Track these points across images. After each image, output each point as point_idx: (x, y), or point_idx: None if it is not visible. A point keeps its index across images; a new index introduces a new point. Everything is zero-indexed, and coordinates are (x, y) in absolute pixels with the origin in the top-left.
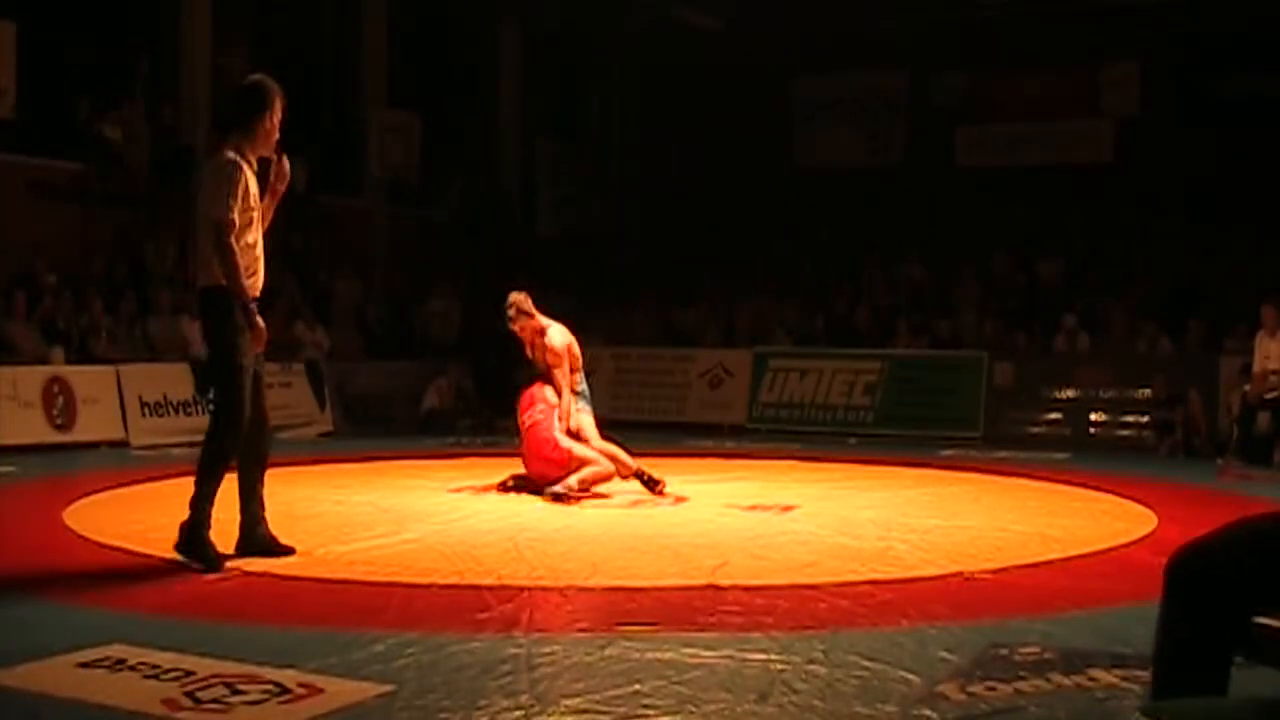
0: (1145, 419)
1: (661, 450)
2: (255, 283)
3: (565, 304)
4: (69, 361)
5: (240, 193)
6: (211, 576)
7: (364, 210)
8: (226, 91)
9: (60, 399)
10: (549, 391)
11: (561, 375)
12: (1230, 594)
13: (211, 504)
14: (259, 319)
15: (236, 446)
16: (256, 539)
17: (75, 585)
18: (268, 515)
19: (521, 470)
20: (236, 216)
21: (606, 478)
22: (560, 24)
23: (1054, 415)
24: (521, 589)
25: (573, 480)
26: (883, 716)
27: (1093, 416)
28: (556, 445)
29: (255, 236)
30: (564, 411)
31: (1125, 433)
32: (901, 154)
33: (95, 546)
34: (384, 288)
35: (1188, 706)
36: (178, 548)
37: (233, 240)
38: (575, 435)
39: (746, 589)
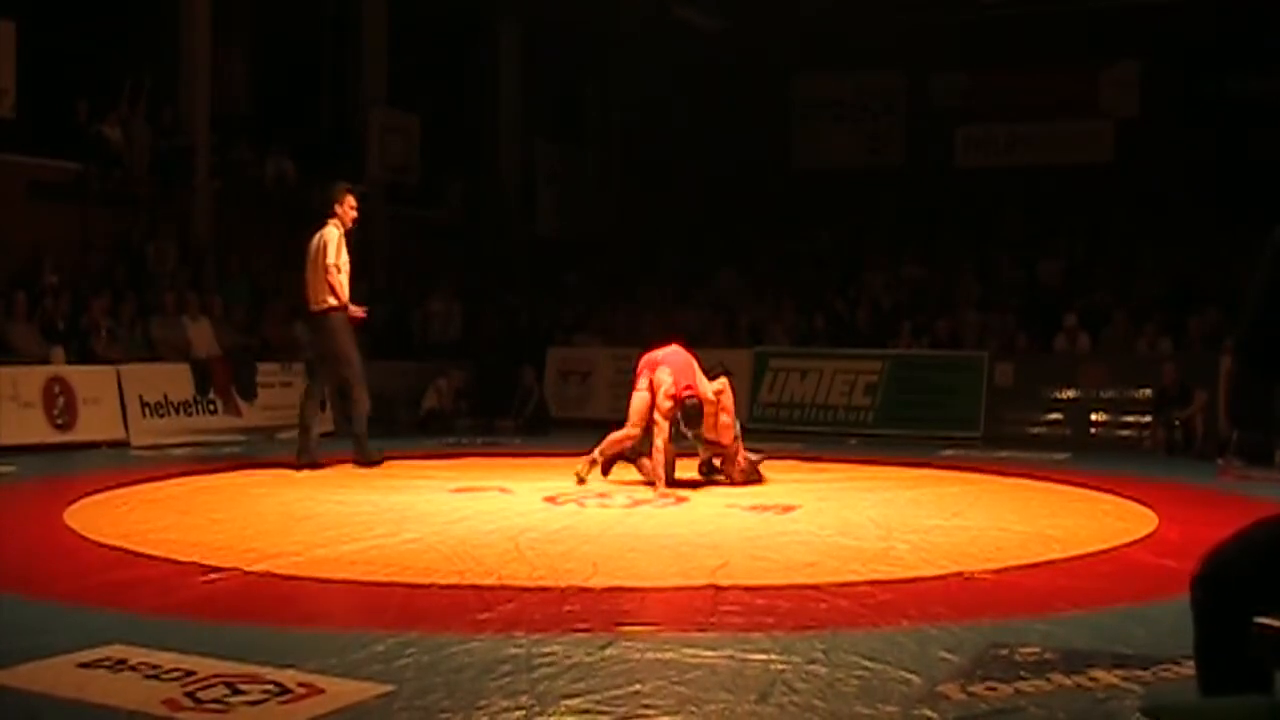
0: (1146, 419)
1: None
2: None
3: (565, 304)
4: (69, 361)
5: (341, 249)
6: (211, 576)
7: (364, 210)
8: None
9: (61, 399)
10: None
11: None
12: (1252, 599)
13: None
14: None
15: (366, 393)
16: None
17: (75, 585)
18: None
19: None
20: (341, 265)
21: (623, 440)
22: (560, 23)
23: (1054, 415)
24: (522, 589)
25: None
26: (883, 716)
27: (1093, 416)
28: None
29: (347, 272)
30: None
31: (1125, 433)
32: (901, 154)
33: (95, 546)
34: (384, 288)
35: (1188, 707)
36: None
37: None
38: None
39: (747, 589)
